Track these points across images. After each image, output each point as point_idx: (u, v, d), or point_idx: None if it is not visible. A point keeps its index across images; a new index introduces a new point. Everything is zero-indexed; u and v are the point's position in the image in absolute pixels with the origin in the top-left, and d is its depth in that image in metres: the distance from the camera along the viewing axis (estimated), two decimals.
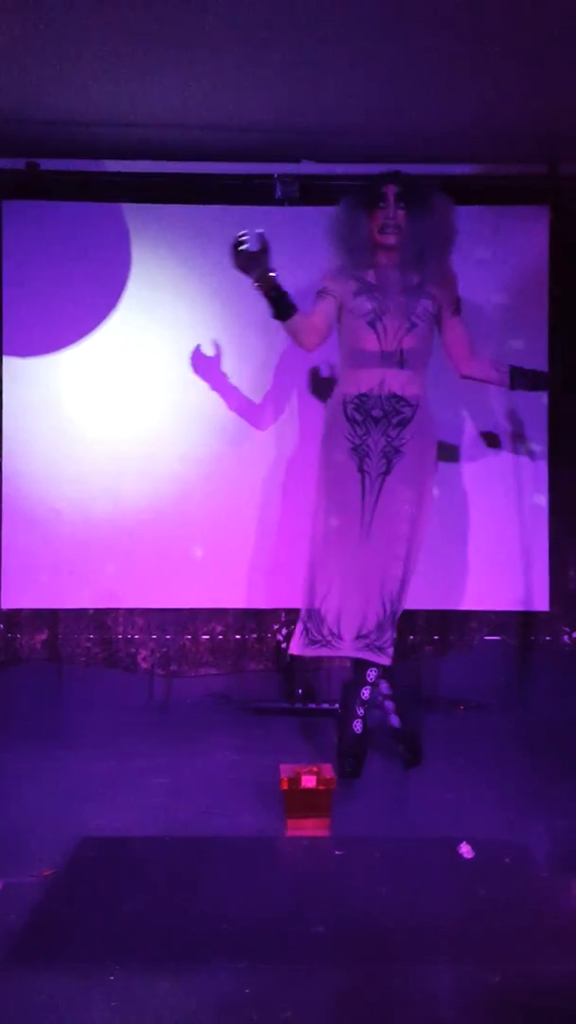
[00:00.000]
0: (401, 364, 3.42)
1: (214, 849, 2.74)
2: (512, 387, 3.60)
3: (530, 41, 3.33)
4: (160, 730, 4.07)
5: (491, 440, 4.38)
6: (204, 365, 4.37)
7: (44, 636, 4.51)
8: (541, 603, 4.47)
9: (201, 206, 4.43)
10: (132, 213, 4.42)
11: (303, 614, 3.46)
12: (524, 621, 4.50)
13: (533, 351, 4.40)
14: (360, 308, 3.45)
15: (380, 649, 3.33)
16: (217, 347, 4.33)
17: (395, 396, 3.42)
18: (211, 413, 4.45)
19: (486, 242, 4.39)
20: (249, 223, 4.39)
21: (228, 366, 4.44)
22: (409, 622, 4.49)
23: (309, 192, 4.41)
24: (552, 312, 4.44)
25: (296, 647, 3.47)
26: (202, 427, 4.46)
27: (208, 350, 4.34)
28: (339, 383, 3.59)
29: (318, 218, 4.40)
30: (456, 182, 4.39)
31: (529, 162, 4.31)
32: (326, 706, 4.30)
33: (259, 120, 4.01)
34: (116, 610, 4.51)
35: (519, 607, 4.46)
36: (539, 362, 4.32)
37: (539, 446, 4.43)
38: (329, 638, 3.40)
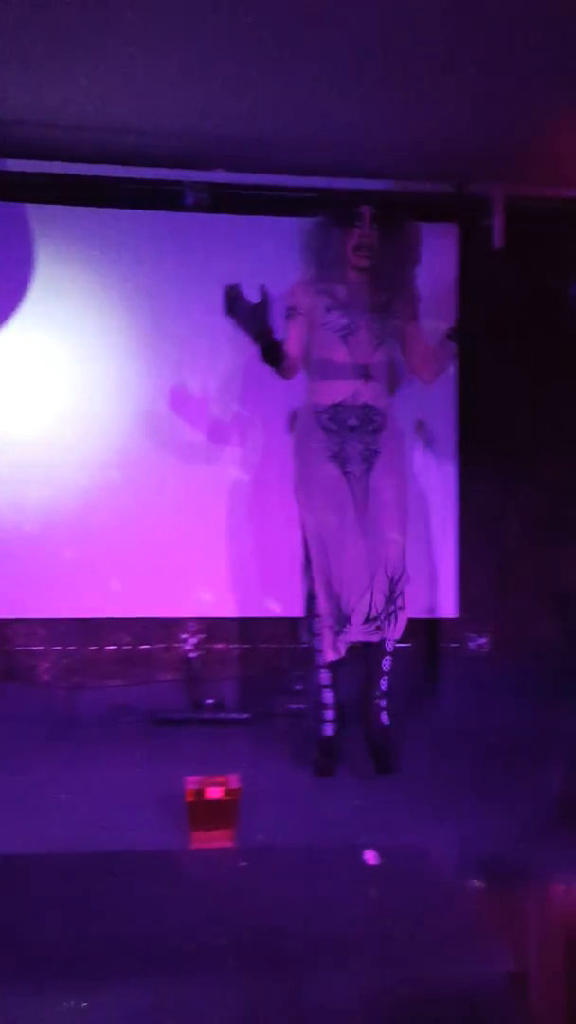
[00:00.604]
0: (368, 377, 3.57)
1: (117, 864, 2.67)
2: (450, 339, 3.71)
3: (438, 64, 3.39)
4: (63, 744, 3.97)
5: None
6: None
7: None
8: (449, 610, 4.53)
9: (109, 209, 4.38)
10: (37, 214, 4.33)
11: (323, 618, 3.52)
12: (431, 628, 4.55)
13: None
14: (333, 323, 3.57)
15: (379, 627, 3.50)
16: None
17: (368, 406, 3.57)
18: (113, 418, 4.39)
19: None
20: (158, 229, 4.40)
21: (135, 368, 4.40)
22: None
23: (221, 201, 4.39)
24: (460, 327, 4.50)
25: (332, 651, 3.52)
26: (104, 432, 4.39)
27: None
28: (309, 394, 3.68)
29: (228, 227, 4.43)
30: (367, 197, 4.44)
31: (438, 180, 4.39)
32: (234, 716, 4.27)
33: (171, 125, 3.97)
34: (15, 620, 4.39)
35: (426, 614, 4.50)
36: (447, 382, 4.40)
37: (448, 456, 4.50)
38: (341, 631, 3.51)
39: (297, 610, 4.49)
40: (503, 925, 2.39)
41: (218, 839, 2.83)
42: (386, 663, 3.58)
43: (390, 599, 3.50)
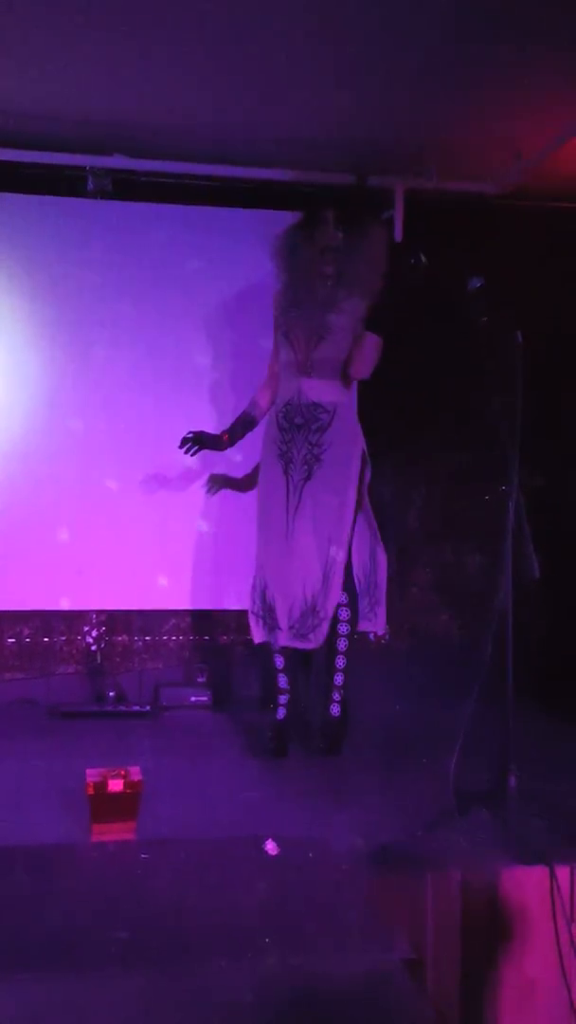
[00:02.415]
0: (310, 373, 3.59)
1: (16, 858, 2.65)
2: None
3: (342, 54, 3.43)
4: None
5: None
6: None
7: None
8: None
9: (11, 194, 4.29)
10: None
11: (251, 607, 3.68)
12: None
13: None
14: (278, 323, 3.64)
15: (302, 636, 3.56)
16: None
17: (313, 404, 3.59)
18: (14, 408, 4.32)
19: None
20: (62, 214, 4.33)
21: (38, 356, 4.33)
22: (221, 623, 4.53)
23: (122, 186, 4.35)
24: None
25: (259, 635, 3.67)
26: (4, 422, 4.31)
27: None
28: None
29: (129, 214, 4.39)
30: (267, 187, 4.47)
31: (339, 171, 4.42)
32: (136, 708, 4.26)
33: (72, 111, 3.91)
34: None
35: None
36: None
37: None
38: (273, 627, 3.61)
39: (203, 602, 4.52)
40: (400, 913, 2.46)
41: (119, 832, 2.82)
42: (338, 661, 3.67)
43: (304, 614, 3.56)
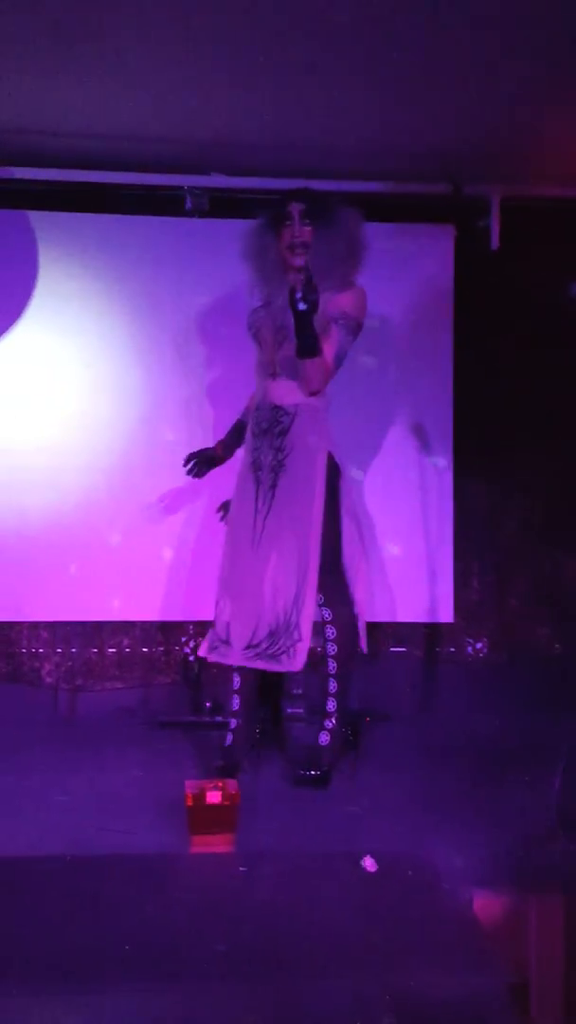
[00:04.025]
0: (275, 375, 3.42)
1: (117, 867, 2.71)
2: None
3: (435, 65, 3.42)
4: (64, 746, 3.99)
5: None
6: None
7: None
8: (446, 615, 4.55)
9: (110, 215, 4.40)
10: (39, 221, 4.36)
11: (215, 621, 3.51)
12: (429, 632, 4.57)
13: (437, 368, 4.50)
14: (249, 323, 3.52)
15: (272, 657, 3.32)
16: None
17: (275, 407, 3.42)
18: (117, 423, 4.42)
19: (392, 259, 4.47)
20: (159, 234, 4.42)
21: (136, 373, 4.42)
22: (314, 633, 4.52)
23: (220, 205, 4.41)
24: (457, 329, 4.53)
25: (204, 648, 3.51)
26: (109, 437, 4.41)
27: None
28: None
29: (227, 231, 4.43)
30: (364, 199, 4.45)
31: (434, 181, 4.40)
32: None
33: (169, 131, 3.99)
34: (19, 623, 4.42)
35: (424, 618, 4.53)
36: (444, 385, 4.45)
37: (444, 460, 4.52)
38: (218, 644, 3.44)
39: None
40: (502, 935, 2.41)
41: (218, 844, 2.85)
42: (330, 684, 3.46)
43: (274, 634, 3.33)
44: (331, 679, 3.46)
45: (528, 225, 4.48)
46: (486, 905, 2.51)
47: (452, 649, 4.57)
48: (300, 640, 3.29)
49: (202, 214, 4.40)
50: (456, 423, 4.54)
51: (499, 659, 4.60)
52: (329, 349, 3.34)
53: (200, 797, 2.88)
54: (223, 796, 2.90)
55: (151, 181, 4.36)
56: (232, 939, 2.26)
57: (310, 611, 3.33)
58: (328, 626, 3.44)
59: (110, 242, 4.38)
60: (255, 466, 3.45)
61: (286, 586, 3.33)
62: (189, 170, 4.34)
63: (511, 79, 3.51)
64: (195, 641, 4.47)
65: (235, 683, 3.55)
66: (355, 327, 3.41)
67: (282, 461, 3.38)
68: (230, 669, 3.53)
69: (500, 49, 3.30)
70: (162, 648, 4.51)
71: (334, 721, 3.47)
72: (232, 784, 2.96)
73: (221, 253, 4.40)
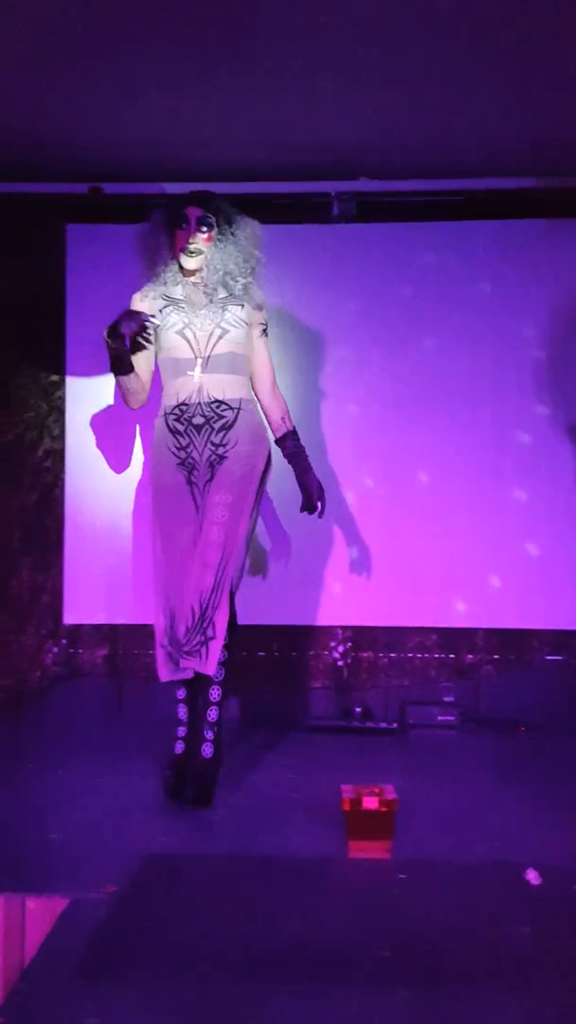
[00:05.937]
0: (215, 369, 3.33)
1: (275, 869, 2.73)
2: (277, 443, 3.48)
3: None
4: None
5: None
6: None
7: (105, 651, 4.56)
8: None
9: (260, 225, 4.45)
10: None
11: (159, 639, 3.29)
12: None
13: None
14: (168, 321, 3.36)
15: (189, 654, 3.19)
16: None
17: (215, 401, 3.32)
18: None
19: (540, 255, 4.39)
20: (308, 241, 4.47)
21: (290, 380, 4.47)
22: (468, 641, 4.46)
23: (367, 209, 4.42)
24: None
25: (165, 673, 3.29)
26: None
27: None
28: (162, 397, 3.44)
29: (375, 236, 4.46)
30: (511, 195, 4.40)
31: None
32: (384, 725, 4.28)
33: (314, 138, 4.02)
34: None
35: None
36: None
37: None
38: (169, 659, 3.27)
39: (449, 620, 4.47)
40: None
41: (375, 850, 2.84)
42: (213, 692, 3.24)
43: (195, 629, 3.17)
44: (214, 687, 3.26)
45: None
46: None
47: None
48: (214, 638, 3.16)
49: (349, 219, 4.43)
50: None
51: None
52: (267, 358, 3.48)
53: (357, 802, 2.88)
54: (380, 802, 2.88)
55: (298, 189, 4.41)
56: (393, 946, 2.25)
57: (225, 607, 3.20)
58: None
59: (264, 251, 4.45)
60: (185, 465, 3.32)
61: (206, 583, 3.19)
62: (336, 176, 4.37)
63: None
64: (343, 646, 4.48)
65: (180, 694, 3.36)
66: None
67: (223, 455, 3.29)
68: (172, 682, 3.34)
69: None
70: (311, 652, 4.54)
71: (215, 731, 3.26)
72: (390, 789, 2.94)
73: (369, 258, 4.45)
